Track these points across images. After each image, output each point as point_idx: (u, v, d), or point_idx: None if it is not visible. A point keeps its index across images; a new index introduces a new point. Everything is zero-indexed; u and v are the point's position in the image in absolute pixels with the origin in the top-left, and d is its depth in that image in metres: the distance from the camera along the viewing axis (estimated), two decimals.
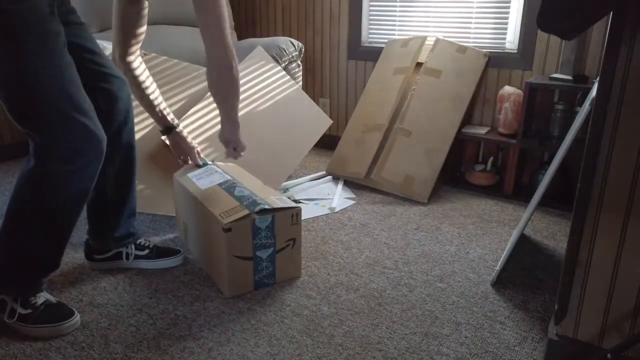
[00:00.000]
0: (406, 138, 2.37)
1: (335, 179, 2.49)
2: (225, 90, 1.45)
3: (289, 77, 2.41)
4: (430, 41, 2.55)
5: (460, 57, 2.45)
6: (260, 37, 3.07)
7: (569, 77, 2.12)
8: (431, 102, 2.41)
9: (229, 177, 1.66)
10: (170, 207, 1.92)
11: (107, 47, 2.10)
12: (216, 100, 1.50)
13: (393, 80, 2.54)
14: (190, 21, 2.73)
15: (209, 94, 2.13)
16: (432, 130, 2.37)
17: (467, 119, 2.56)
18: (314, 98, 3.04)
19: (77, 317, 1.35)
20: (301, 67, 2.63)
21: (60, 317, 1.32)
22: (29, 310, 1.31)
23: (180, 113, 2.04)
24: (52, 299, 1.36)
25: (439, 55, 2.48)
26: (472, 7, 2.49)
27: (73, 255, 1.71)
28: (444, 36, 2.59)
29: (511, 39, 2.42)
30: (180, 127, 1.70)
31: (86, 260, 1.63)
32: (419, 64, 2.51)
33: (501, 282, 1.59)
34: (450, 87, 2.42)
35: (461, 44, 2.49)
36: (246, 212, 1.44)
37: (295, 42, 2.52)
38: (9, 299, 1.31)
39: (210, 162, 1.78)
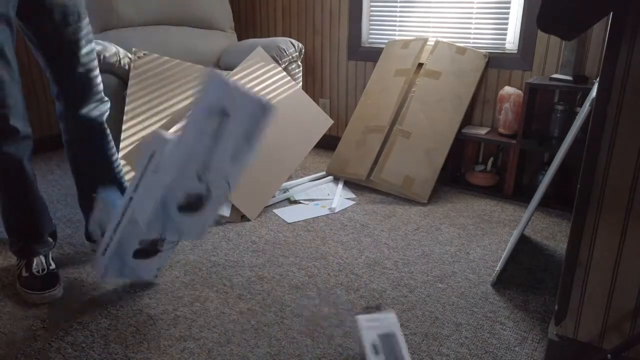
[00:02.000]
0: (406, 139, 2.37)
1: (336, 179, 2.49)
2: None
3: (289, 77, 2.42)
4: (431, 42, 2.55)
5: (460, 58, 2.45)
6: (260, 37, 3.07)
7: (569, 78, 2.12)
8: (431, 104, 2.41)
9: None
10: None
11: (107, 46, 2.11)
12: None
13: (394, 82, 2.54)
14: (191, 21, 2.73)
15: None
16: (432, 131, 2.37)
17: (468, 120, 2.56)
18: (314, 98, 3.04)
19: (56, 290, 1.47)
20: (301, 68, 2.63)
21: (42, 287, 1.44)
22: (27, 274, 1.46)
23: (181, 113, 2.05)
24: (48, 267, 1.50)
25: (439, 57, 2.48)
26: (472, 8, 2.49)
27: (73, 256, 1.71)
28: (444, 37, 2.59)
29: (511, 40, 2.42)
30: None
31: (86, 240, 1.75)
32: (419, 65, 2.51)
33: (501, 283, 1.58)
34: (450, 88, 2.42)
35: (461, 45, 2.49)
36: None
37: (295, 42, 2.52)
38: (20, 262, 1.52)
39: None
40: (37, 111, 2.84)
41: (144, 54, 2.08)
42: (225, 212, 2.00)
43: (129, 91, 2.00)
